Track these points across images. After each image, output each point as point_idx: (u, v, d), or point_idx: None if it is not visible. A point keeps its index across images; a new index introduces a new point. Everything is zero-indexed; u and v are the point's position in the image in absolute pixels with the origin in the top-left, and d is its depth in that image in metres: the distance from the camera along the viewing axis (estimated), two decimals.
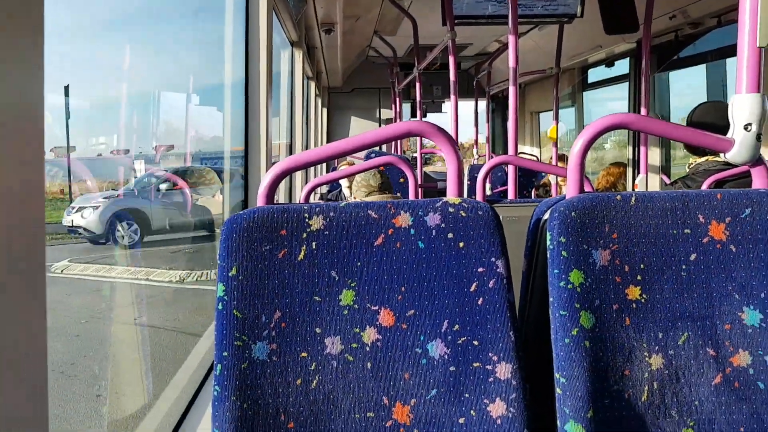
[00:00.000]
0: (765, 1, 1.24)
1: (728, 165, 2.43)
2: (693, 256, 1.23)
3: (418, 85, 5.84)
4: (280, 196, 5.04)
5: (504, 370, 1.19)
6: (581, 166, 1.30)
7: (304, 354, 1.18)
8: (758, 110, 1.26)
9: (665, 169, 5.13)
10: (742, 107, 1.27)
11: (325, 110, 9.13)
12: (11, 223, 0.70)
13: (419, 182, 6.06)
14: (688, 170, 3.15)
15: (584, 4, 4.07)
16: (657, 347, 1.20)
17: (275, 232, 1.21)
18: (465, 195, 1.27)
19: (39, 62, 0.74)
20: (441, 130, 1.27)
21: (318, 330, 1.19)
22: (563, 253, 1.21)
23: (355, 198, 3.80)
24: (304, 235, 1.21)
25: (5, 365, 0.70)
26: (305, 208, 1.23)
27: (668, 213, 1.24)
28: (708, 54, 4.60)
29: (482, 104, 9.02)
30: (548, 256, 1.23)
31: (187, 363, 2.17)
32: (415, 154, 6.91)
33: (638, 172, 4.10)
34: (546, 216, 1.34)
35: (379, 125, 9.48)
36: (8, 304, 0.70)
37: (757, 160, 1.30)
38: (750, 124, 1.27)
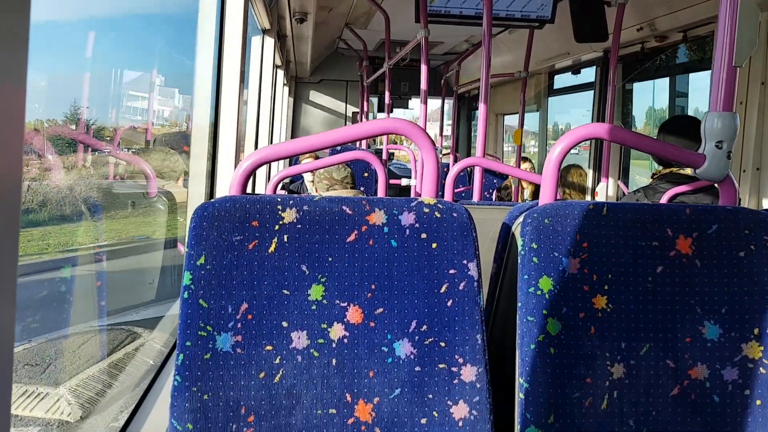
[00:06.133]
0: (743, 19, 1.26)
1: (691, 178, 2.49)
2: (659, 269, 1.25)
3: (387, 80, 5.82)
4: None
5: (469, 373, 1.19)
6: (557, 173, 1.31)
7: (269, 347, 1.17)
8: (731, 129, 1.28)
9: (624, 177, 5.22)
10: (714, 125, 1.29)
11: (291, 100, 9.04)
12: None
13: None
14: (651, 179, 3.21)
15: (556, 10, 4.11)
16: (619, 357, 1.22)
17: (247, 223, 1.18)
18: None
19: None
20: (421, 130, 1.26)
21: (285, 324, 1.18)
22: (534, 259, 1.22)
23: (316, 191, 3.74)
24: (276, 227, 1.19)
25: None
26: (278, 199, 1.20)
27: (638, 224, 1.26)
28: (673, 67, 4.69)
29: (447, 102, 9.06)
30: (519, 261, 1.23)
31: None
32: (379, 147, 6.89)
33: (599, 180, 4.16)
34: (518, 221, 1.35)
35: (344, 118, 9.44)
36: None
37: (725, 178, 1.32)
38: (722, 142, 1.29)
